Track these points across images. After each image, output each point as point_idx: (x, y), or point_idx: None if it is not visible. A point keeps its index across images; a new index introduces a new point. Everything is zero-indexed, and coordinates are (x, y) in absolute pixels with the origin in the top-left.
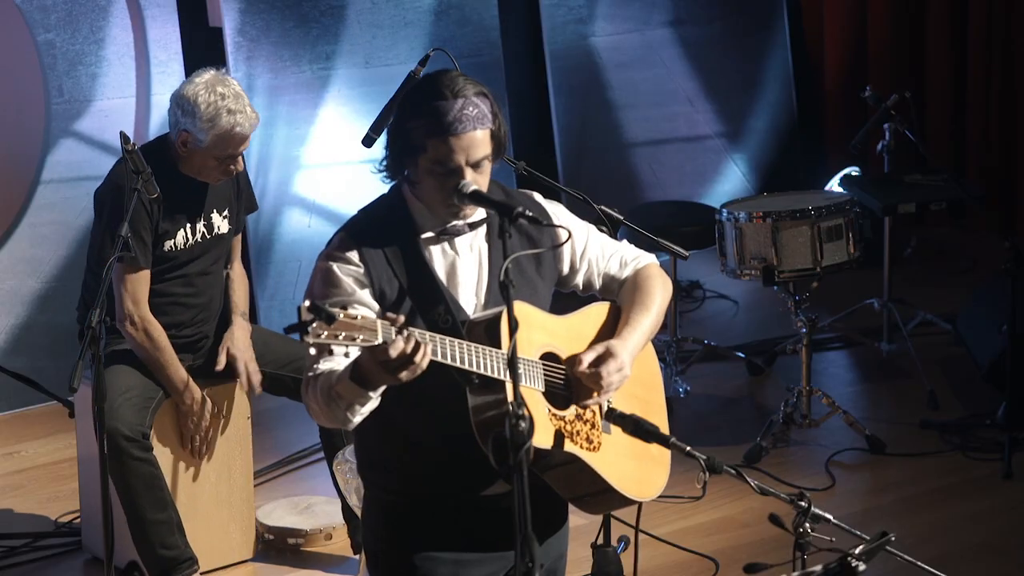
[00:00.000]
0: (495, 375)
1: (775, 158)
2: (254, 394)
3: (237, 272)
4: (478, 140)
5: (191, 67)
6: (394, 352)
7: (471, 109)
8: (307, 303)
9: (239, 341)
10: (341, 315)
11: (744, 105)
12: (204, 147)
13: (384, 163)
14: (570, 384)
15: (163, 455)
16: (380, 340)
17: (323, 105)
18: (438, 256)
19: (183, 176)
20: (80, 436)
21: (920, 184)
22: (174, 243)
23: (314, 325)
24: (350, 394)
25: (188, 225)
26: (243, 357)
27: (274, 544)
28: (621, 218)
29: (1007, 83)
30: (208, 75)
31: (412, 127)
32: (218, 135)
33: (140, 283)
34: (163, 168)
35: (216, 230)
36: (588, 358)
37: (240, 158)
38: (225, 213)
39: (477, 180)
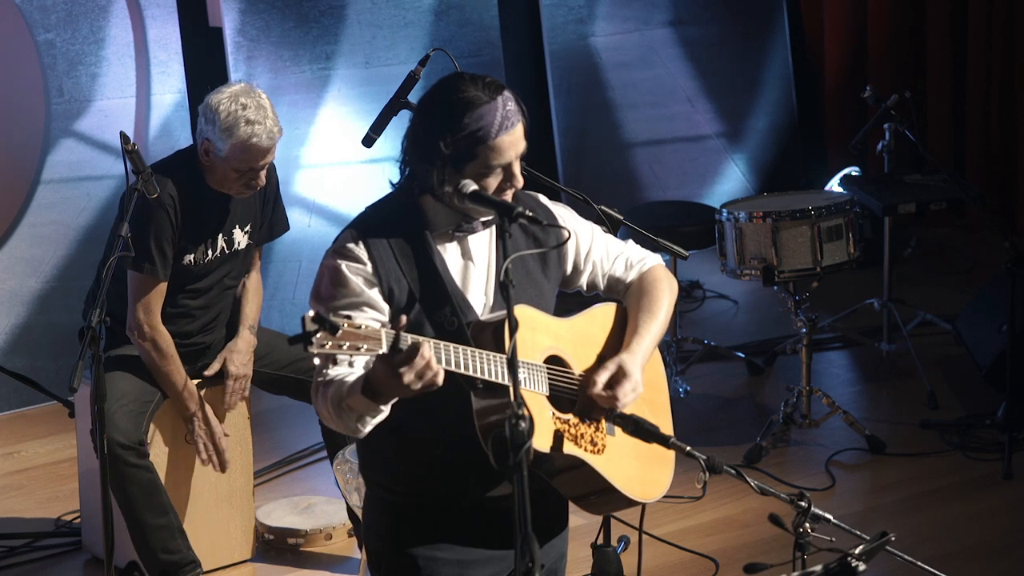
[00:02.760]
0: (498, 380)
1: (775, 158)
2: (227, 411)
3: (253, 282)
4: (520, 133)
5: (191, 67)
6: (411, 366)
7: (510, 104)
8: (311, 313)
9: (240, 356)
10: (345, 325)
11: (744, 105)
12: (223, 157)
13: (406, 180)
14: (581, 400)
15: (162, 456)
16: (385, 349)
17: (323, 105)
18: (452, 253)
19: (209, 189)
20: (80, 436)
21: (920, 184)
22: (193, 257)
23: (318, 336)
24: (361, 407)
25: (209, 240)
26: (236, 373)
27: (274, 544)
28: (621, 218)
29: (1007, 83)
30: (238, 86)
31: (455, 140)
32: (235, 145)
33: (156, 295)
34: (190, 180)
35: (236, 245)
36: (602, 379)
37: (262, 174)
38: (247, 228)
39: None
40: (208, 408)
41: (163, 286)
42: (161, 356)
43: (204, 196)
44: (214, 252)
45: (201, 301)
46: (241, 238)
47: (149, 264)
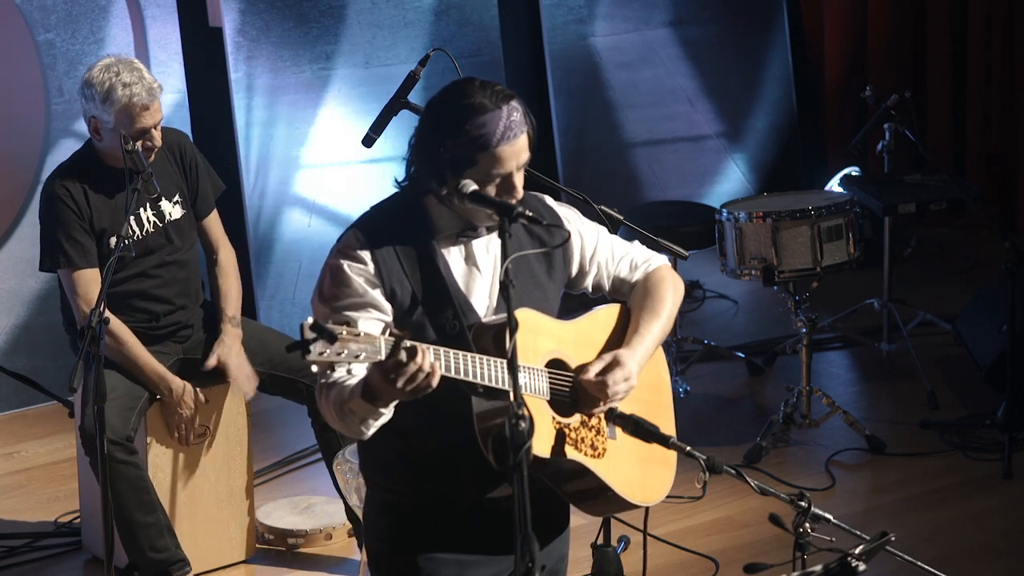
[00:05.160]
0: (498, 385)
1: (775, 158)
2: (247, 398)
3: (224, 265)
4: (523, 144)
5: (191, 67)
6: (404, 370)
7: (516, 115)
8: (309, 321)
9: (229, 349)
10: (343, 332)
11: (744, 105)
12: (112, 127)
13: (410, 180)
14: (576, 392)
15: (162, 455)
16: (383, 356)
17: (323, 105)
18: (455, 257)
19: (114, 170)
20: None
21: (920, 184)
22: (121, 237)
23: (316, 343)
24: (362, 410)
25: (132, 219)
26: (233, 364)
27: (274, 544)
28: (621, 218)
29: (1007, 83)
30: (106, 59)
31: (456, 144)
32: (119, 111)
33: (89, 284)
34: (90, 169)
35: (168, 217)
36: (595, 368)
37: (155, 133)
38: (176, 199)
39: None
40: (194, 395)
41: (93, 274)
42: (118, 343)
43: (110, 178)
44: (143, 229)
45: (158, 281)
46: (172, 208)
47: (64, 257)
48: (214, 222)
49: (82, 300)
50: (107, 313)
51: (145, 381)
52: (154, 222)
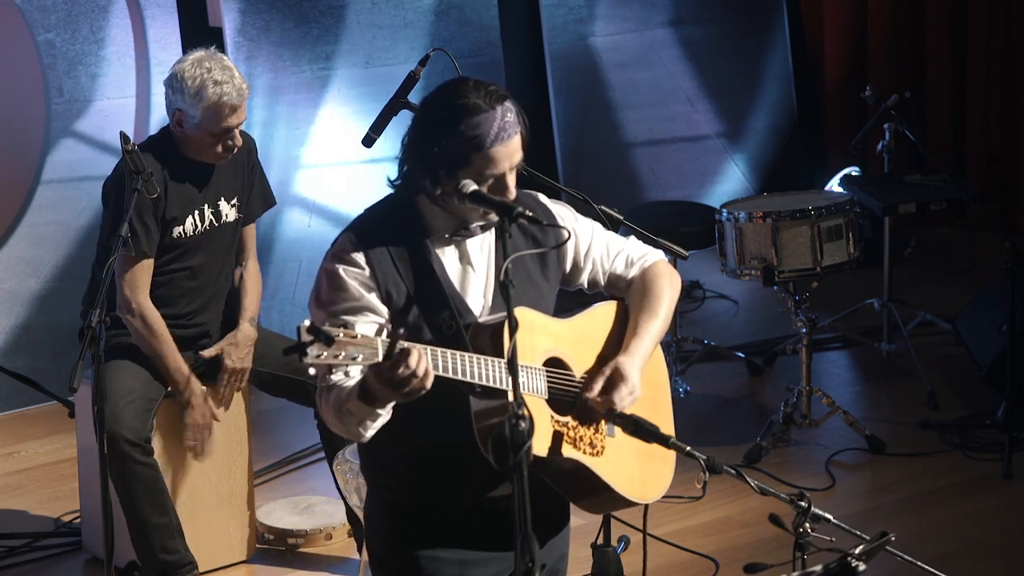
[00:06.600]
0: (496, 384)
1: (775, 158)
2: (221, 403)
3: (251, 272)
4: (517, 144)
5: None
6: (397, 372)
7: (509, 115)
8: (306, 323)
9: (238, 349)
10: (340, 335)
11: (744, 105)
12: (197, 123)
13: (402, 180)
14: (579, 402)
15: (163, 455)
16: (380, 357)
17: (323, 105)
18: (450, 257)
19: (189, 161)
20: (80, 436)
21: (920, 184)
22: (183, 230)
23: (313, 346)
24: (360, 412)
25: (196, 212)
26: (232, 366)
27: (274, 544)
28: (621, 218)
29: (1007, 83)
30: (199, 53)
31: (450, 144)
32: (207, 108)
33: (141, 271)
34: (168, 156)
35: (224, 218)
36: (599, 385)
37: (237, 133)
38: (234, 201)
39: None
40: (204, 394)
41: (149, 263)
42: (151, 334)
43: (183, 169)
44: (203, 224)
45: (197, 282)
46: (228, 210)
47: (132, 237)
48: (250, 234)
49: (128, 284)
50: (148, 305)
51: (169, 378)
52: (211, 220)
